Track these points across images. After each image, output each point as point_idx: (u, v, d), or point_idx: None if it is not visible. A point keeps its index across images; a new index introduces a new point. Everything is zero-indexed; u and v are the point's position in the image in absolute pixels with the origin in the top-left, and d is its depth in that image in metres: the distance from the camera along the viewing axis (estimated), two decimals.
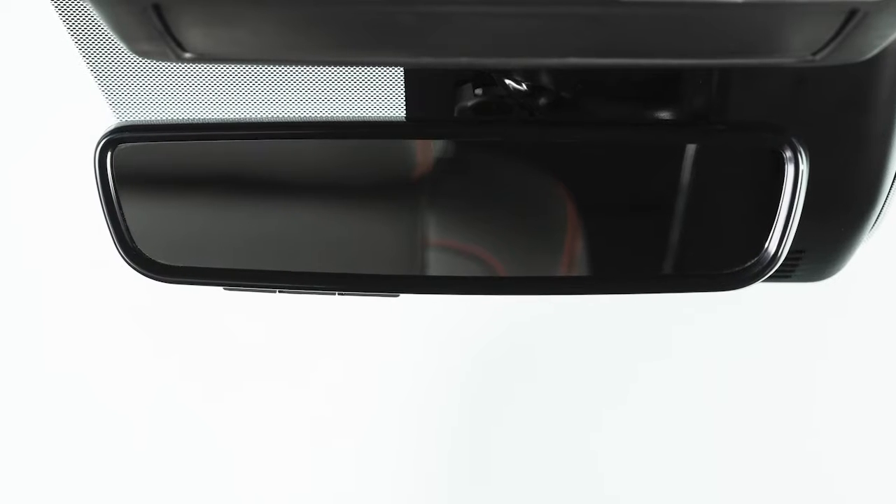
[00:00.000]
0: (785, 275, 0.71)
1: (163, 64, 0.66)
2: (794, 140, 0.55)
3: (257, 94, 0.68)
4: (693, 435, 1.45)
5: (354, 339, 1.44)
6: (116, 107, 0.70)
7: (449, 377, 1.45)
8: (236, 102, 0.69)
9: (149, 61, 0.65)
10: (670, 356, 1.44)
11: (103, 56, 0.66)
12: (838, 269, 0.72)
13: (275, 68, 0.66)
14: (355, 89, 0.68)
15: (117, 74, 0.68)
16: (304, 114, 0.70)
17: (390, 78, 0.67)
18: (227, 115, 0.71)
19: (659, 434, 1.45)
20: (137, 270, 0.59)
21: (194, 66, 0.66)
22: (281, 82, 0.68)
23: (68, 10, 0.63)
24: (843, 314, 1.41)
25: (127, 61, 0.67)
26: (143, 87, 0.68)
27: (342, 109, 0.70)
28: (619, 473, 1.46)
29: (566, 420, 1.45)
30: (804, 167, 0.55)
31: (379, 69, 0.66)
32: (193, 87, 0.68)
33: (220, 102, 0.69)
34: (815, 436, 1.44)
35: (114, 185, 0.57)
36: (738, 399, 1.44)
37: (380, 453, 1.47)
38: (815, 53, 0.36)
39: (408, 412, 1.46)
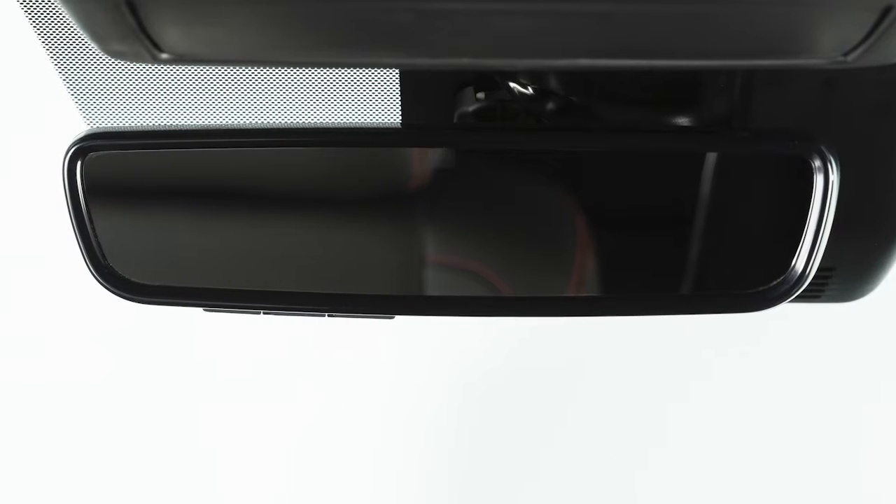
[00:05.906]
0: (814, 294, 0.71)
1: (137, 66, 0.66)
2: (823, 148, 0.55)
3: (239, 98, 0.69)
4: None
5: (341, 363, 1.44)
6: (87, 112, 0.70)
7: (447, 413, 1.45)
8: (217, 107, 0.69)
9: (122, 63, 0.65)
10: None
11: (73, 57, 0.66)
12: (871, 289, 0.72)
13: (258, 70, 0.66)
14: (347, 93, 0.68)
15: (88, 77, 0.68)
16: (291, 119, 0.70)
17: (385, 80, 0.67)
18: (207, 121, 0.71)
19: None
20: (109, 290, 0.59)
21: (172, 67, 0.66)
22: (265, 85, 0.68)
23: (34, 7, 0.63)
24: (877, 337, 1.41)
25: (98, 63, 0.67)
26: (117, 90, 0.69)
27: (332, 115, 0.70)
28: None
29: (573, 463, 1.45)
30: (834, 177, 0.55)
31: (372, 71, 0.66)
32: (170, 90, 0.68)
33: (199, 107, 0.69)
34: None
35: (84, 196, 0.57)
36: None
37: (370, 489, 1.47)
38: (845, 54, 0.36)
39: (401, 439, 1.46)
